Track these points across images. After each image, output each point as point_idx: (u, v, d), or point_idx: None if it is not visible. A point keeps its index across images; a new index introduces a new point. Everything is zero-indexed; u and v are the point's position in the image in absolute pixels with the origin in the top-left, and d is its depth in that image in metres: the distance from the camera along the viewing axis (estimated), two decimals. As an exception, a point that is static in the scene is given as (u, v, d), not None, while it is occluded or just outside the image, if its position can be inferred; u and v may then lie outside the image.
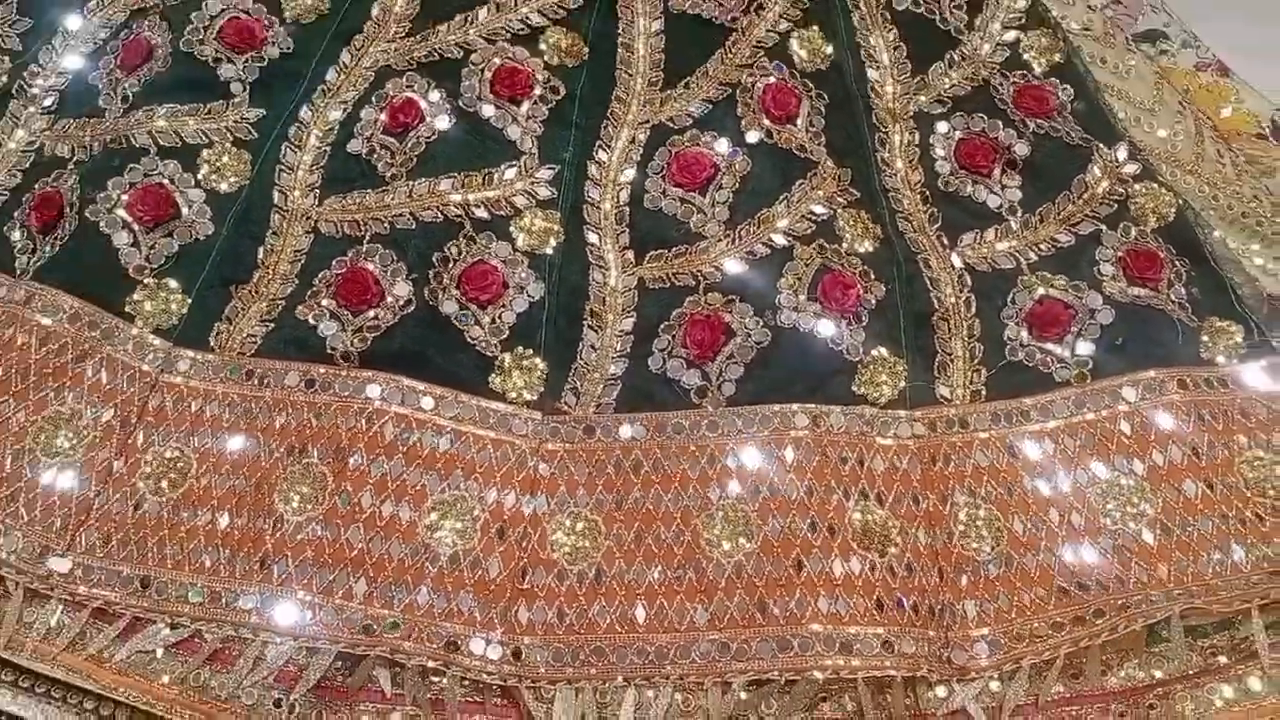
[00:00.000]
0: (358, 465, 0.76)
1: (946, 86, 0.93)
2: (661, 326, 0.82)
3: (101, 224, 0.83)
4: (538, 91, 0.89)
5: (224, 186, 0.85)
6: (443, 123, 0.87)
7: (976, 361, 0.83)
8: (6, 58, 0.91)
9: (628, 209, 0.87)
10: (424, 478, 0.77)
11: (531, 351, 0.81)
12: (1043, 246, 0.87)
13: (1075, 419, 0.82)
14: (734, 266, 0.84)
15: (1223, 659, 0.77)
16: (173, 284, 0.82)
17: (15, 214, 0.86)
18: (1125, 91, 0.97)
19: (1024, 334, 0.84)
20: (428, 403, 0.79)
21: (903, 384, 0.82)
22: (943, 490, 0.79)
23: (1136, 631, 0.76)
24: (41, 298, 0.81)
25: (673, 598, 0.75)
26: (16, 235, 0.85)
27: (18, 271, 0.83)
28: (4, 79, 0.91)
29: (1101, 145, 0.91)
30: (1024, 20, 0.96)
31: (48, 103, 0.90)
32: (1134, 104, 0.96)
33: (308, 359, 0.80)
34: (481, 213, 0.85)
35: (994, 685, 0.75)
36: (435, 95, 0.88)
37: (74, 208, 0.84)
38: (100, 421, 0.78)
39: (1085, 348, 0.84)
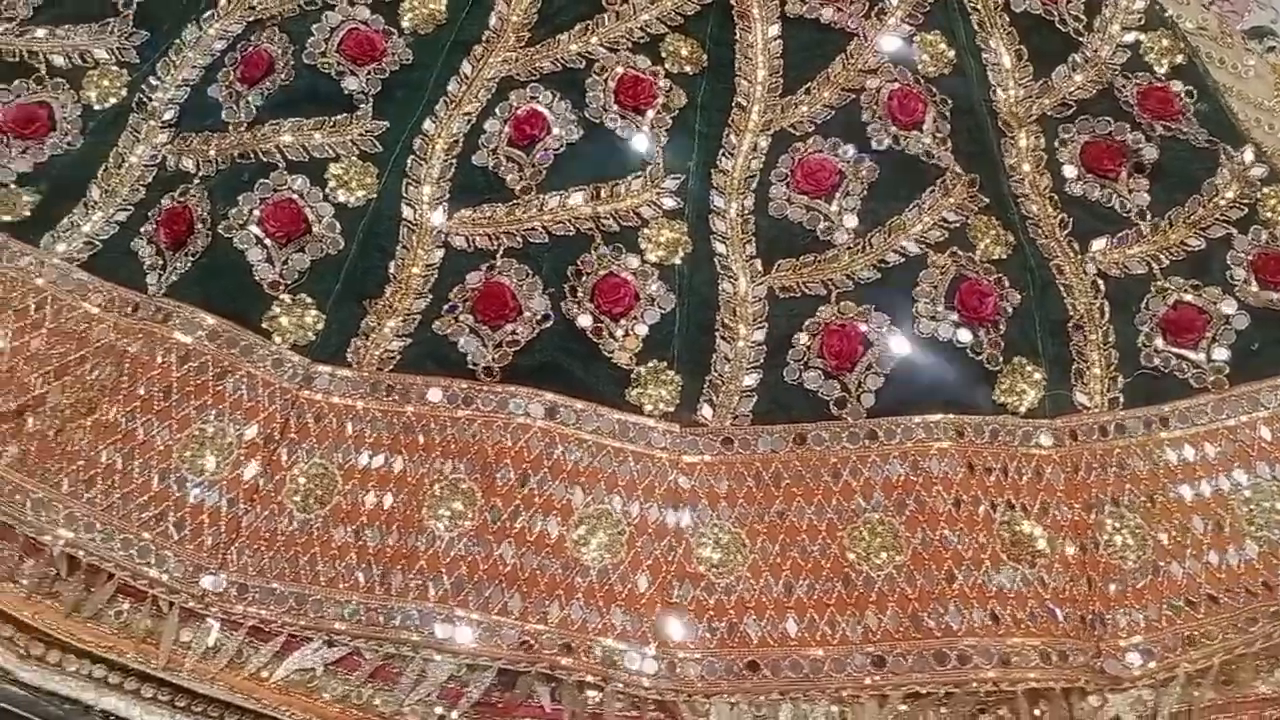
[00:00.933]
0: (505, 481, 0.77)
1: (1070, 90, 0.92)
2: (795, 337, 0.82)
3: (235, 240, 0.83)
4: (660, 100, 0.88)
5: (352, 200, 0.85)
6: (570, 134, 0.86)
7: (1113, 369, 0.83)
8: (125, 71, 0.91)
9: (753, 217, 0.86)
10: (569, 492, 0.77)
11: (666, 364, 0.81)
12: (1174, 251, 0.86)
13: (1215, 425, 0.82)
14: (866, 275, 0.83)
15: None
16: (308, 300, 0.82)
17: (142, 229, 0.86)
18: (1244, 92, 0.96)
19: (1159, 340, 0.84)
20: (569, 417, 0.79)
21: (1043, 393, 0.81)
22: (1087, 499, 0.79)
23: (1291, 641, 0.76)
24: (180, 315, 0.81)
25: (823, 611, 0.75)
26: (145, 251, 0.85)
27: (149, 289, 0.83)
28: (124, 93, 0.91)
29: (1228, 148, 0.90)
30: (1143, 21, 0.95)
31: (168, 116, 0.90)
32: (1254, 105, 0.95)
33: (449, 374, 0.80)
34: (611, 224, 0.85)
35: (1146, 694, 0.75)
36: (561, 106, 0.87)
37: (205, 223, 0.84)
38: (244, 439, 0.78)
39: (1221, 353, 0.83)
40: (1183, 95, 0.93)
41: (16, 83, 0.90)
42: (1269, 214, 0.88)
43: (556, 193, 0.85)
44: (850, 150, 0.87)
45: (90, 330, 0.83)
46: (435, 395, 0.79)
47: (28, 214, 0.87)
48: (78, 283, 0.84)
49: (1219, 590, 0.76)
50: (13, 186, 0.88)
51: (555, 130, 0.87)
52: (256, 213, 0.83)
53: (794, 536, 0.77)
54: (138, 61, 0.92)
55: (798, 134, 0.89)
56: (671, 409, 0.80)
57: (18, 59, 0.91)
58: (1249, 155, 0.90)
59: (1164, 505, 0.79)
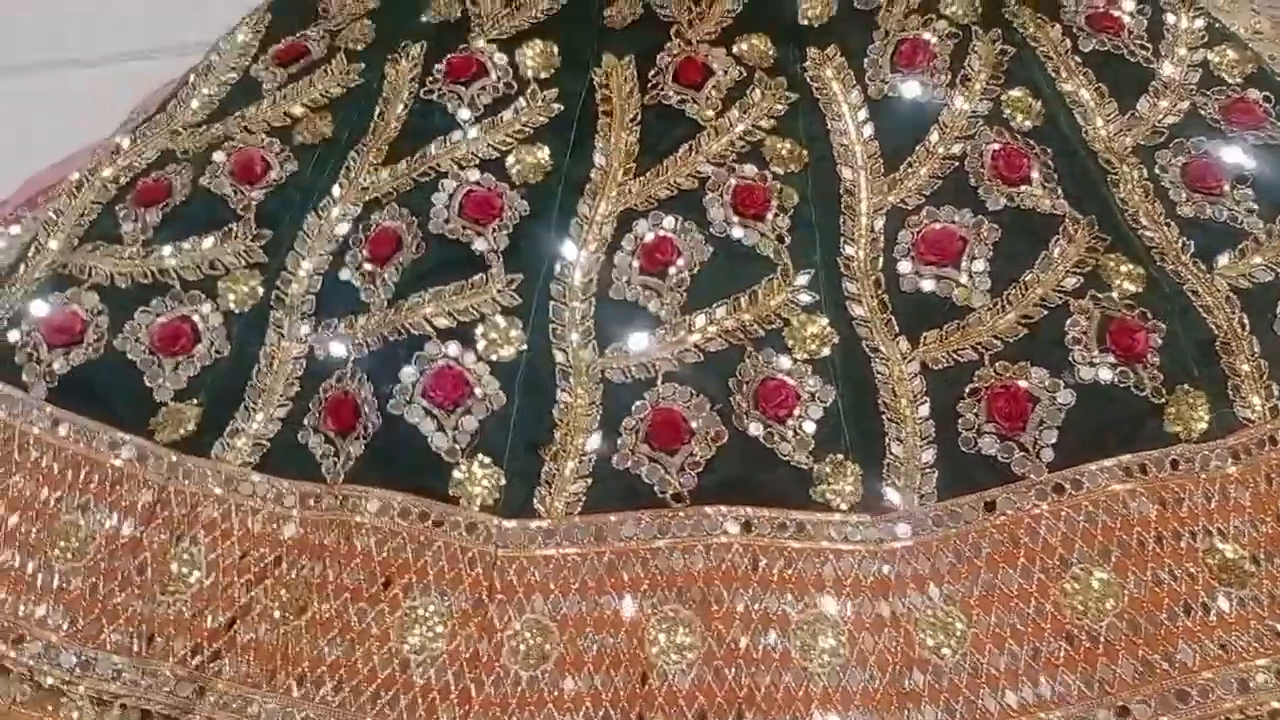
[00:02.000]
0: (721, 603, 0.78)
1: (1159, 117, 0.95)
2: (960, 405, 0.84)
3: (406, 415, 0.85)
4: (775, 202, 0.91)
5: (505, 356, 0.87)
6: (700, 253, 0.89)
7: (1266, 378, 0.85)
8: (256, 271, 0.94)
9: (887, 296, 0.89)
10: (782, 603, 0.78)
11: (841, 456, 0.83)
12: (1296, 254, 0.89)
13: (1378, 413, 0.84)
14: (1014, 333, 0.86)
15: None
16: (485, 459, 0.84)
17: (306, 421, 0.88)
18: (1313, 87, 0.99)
19: (1302, 341, 0.86)
20: (764, 528, 0.80)
21: (1209, 415, 0.83)
22: (1275, 511, 0.80)
23: None
24: (366, 499, 0.83)
25: (1055, 672, 0.76)
26: (314, 441, 0.87)
27: (327, 478, 0.86)
28: (260, 292, 0.93)
29: (1318, 143, 0.93)
30: (1206, 39, 0.98)
31: (306, 308, 0.92)
32: (1326, 96, 0.99)
33: (638, 506, 0.82)
34: (757, 330, 0.87)
35: (1380, 698, 0.76)
36: (685, 228, 0.90)
37: (371, 405, 0.86)
38: (455, 610, 0.80)
39: (1367, 344, 0.86)
40: (1262, 102, 0.96)
41: (154, 302, 0.93)
42: (1376, 197, 0.91)
43: (701, 311, 0.87)
44: (967, 214, 0.90)
45: (280, 530, 0.85)
46: (629, 530, 0.81)
47: (193, 428, 0.89)
48: (255, 485, 0.87)
49: None
50: (173, 404, 0.90)
51: (685, 252, 0.89)
52: (420, 385, 0.86)
53: (1008, 604, 0.78)
54: (266, 260, 0.94)
55: (909, 208, 0.92)
56: (858, 499, 0.82)
57: (150, 279, 0.94)
58: (1340, 148, 0.93)
59: (1351, 501, 0.81)
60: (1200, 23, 1.00)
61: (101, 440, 0.89)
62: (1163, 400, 0.83)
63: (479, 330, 0.88)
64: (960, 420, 0.84)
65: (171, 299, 0.93)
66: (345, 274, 0.93)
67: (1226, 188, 0.92)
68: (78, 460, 0.89)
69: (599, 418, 0.85)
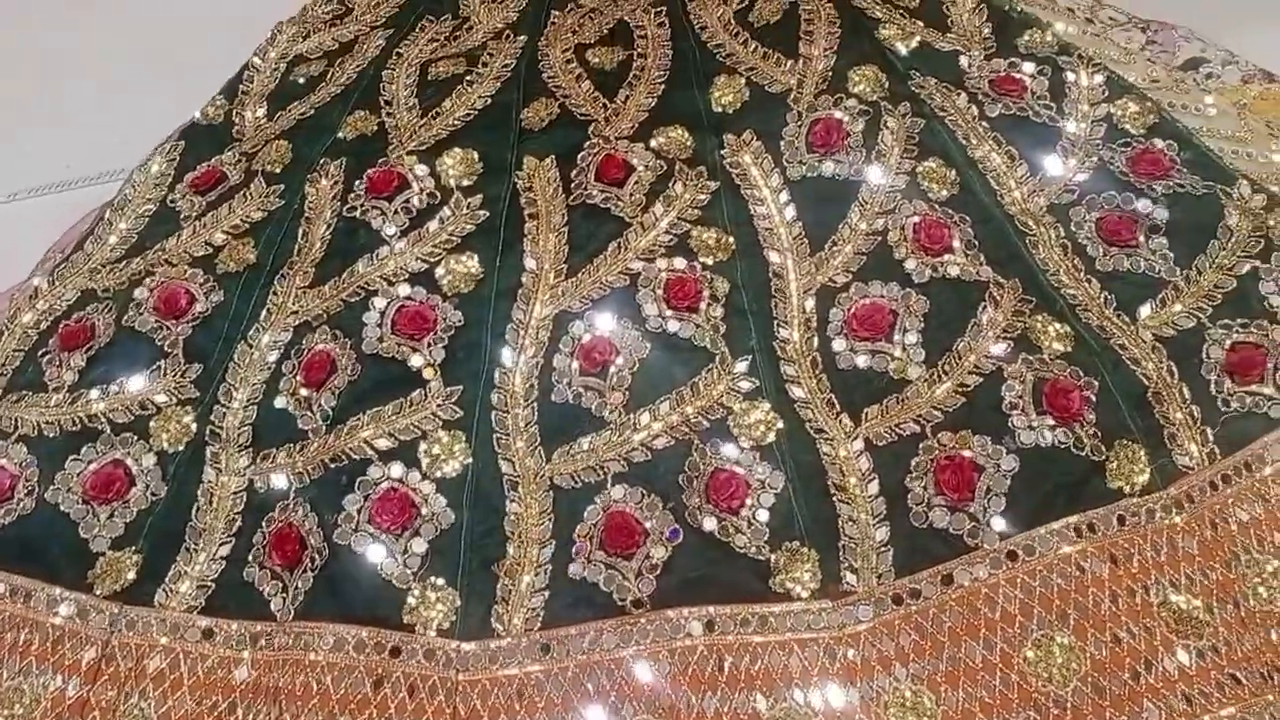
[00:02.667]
0: (690, 707, 0.77)
1: (1068, 175, 0.97)
2: (908, 480, 0.85)
3: (352, 545, 0.83)
4: (706, 292, 0.92)
5: (451, 472, 0.86)
6: (639, 350, 0.89)
7: (1200, 423, 0.87)
8: (189, 408, 0.92)
9: (825, 375, 0.90)
10: (751, 700, 0.78)
11: (797, 543, 0.83)
12: (1213, 297, 0.91)
13: (1307, 449, 0.86)
14: (952, 402, 0.87)
15: None
16: (438, 581, 0.82)
17: (250, 557, 0.86)
18: (1215, 130, 1.02)
19: (1229, 384, 0.88)
20: (727, 625, 0.80)
21: (1149, 467, 0.84)
22: (1222, 557, 0.82)
23: None
24: (318, 635, 0.81)
25: (1025, 743, 0.76)
26: (260, 578, 0.85)
27: (277, 615, 0.83)
28: (193, 428, 0.91)
29: (1223, 187, 0.96)
30: (1108, 93, 1.02)
31: (243, 440, 0.91)
32: (1228, 139, 1.02)
33: (600, 616, 0.81)
34: (702, 422, 0.87)
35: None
36: (620, 326, 0.90)
37: (317, 536, 0.84)
38: (421, 742, 0.78)
39: (1290, 379, 0.88)
40: (1167, 151, 0.99)
41: (85, 449, 0.91)
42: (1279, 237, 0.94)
43: (645, 409, 0.87)
44: (895, 287, 0.92)
45: (231, 674, 0.83)
46: (591, 641, 0.80)
47: (133, 576, 0.86)
48: (203, 630, 0.84)
49: (1379, 606, 0.80)
50: (111, 553, 0.87)
51: (623, 350, 0.89)
52: (366, 511, 0.84)
53: (974, 677, 0.78)
54: (198, 395, 0.92)
55: (838, 285, 0.93)
56: (817, 585, 0.82)
57: (79, 427, 0.92)
58: (1245, 189, 0.96)
59: (1294, 539, 0.82)
60: (1099, 78, 1.03)
61: (39, 599, 0.86)
62: (1103, 457, 0.84)
63: (422, 448, 0.87)
64: (910, 495, 0.84)
65: (103, 444, 0.91)
66: (280, 401, 0.91)
67: (1141, 239, 0.94)
68: (16, 622, 0.86)
69: (551, 527, 0.84)
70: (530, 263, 0.94)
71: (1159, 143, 0.99)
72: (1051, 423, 0.85)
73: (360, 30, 1.17)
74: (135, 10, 1.47)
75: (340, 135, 1.05)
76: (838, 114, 0.99)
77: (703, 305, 0.91)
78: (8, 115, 1.36)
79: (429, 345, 0.91)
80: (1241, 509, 0.84)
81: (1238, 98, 1.12)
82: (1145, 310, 0.91)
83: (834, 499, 0.85)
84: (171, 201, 1.05)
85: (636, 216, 0.95)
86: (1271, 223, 0.94)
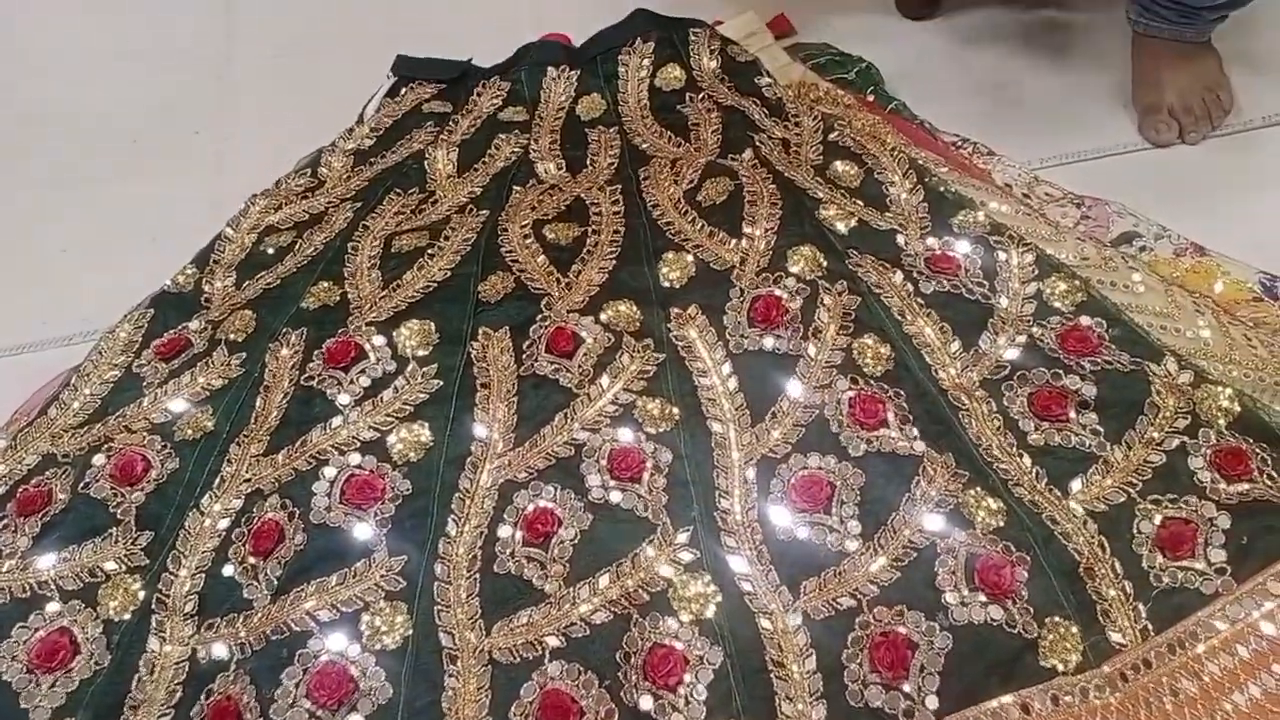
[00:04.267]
0: None
1: (1000, 352, 1.01)
2: (844, 656, 0.85)
3: (289, 720, 0.84)
4: (650, 463, 0.94)
5: (391, 644, 0.87)
6: (581, 522, 0.91)
7: (1133, 600, 0.88)
8: (137, 576, 0.93)
9: (764, 547, 0.91)
10: None
11: (734, 720, 0.83)
12: (1142, 472, 0.93)
13: (1239, 626, 0.86)
14: (888, 577, 0.88)
15: None
16: (373, 760, 0.82)
17: (191, 732, 0.86)
18: (1143, 306, 1.06)
19: (1160, 559, 0.89)
20: (660, 807, 0.80)
21: (1082, 645, 0.85)
22: (1158, 738, 0.82)
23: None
24: (251, 815, 0.81)
25: None
26: (197, 755, 0.85)
27: (213, 794, 0.83)
28: (140, 595, 0.92)
29: (1150, 364, 0.99)
30: (1037, 272, 1.07)
31: (189, 609, 0.91)
32: (1156, 314, 1.06)
33: (534, 798, 0.80)
34: (642, 595, 0.88)
35: None
36: (564, 496, 0.92)
37: (254, 711, 0.84)
38: None
39: (1218, 555, 0.89)
40: (1095, 328, 1.03)
41: (33, 617, 0.91)
42: (1206, 414, 0.96)
43: (584, 582, 0.88)
44: (831, 460, 0.94)
45: None
46: (516, 825, 0.80)
47: None
48: (136, 808, 0.84)
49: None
50: (50, 725, 0.88)
51: (566, 521, 0.91)
52: (303, 687, 0.84)
53: None
54: (147, 563, 0.94)
55: (778, 456, 0.95)
56: (753, 765, 0.82)
57: (28, 594, 0.93)
58: (1172, 365, 0.99)
59: (1224, 718, 0.83)
60: (1030, 257, 1.08)
61: (-25, 770, 0.86)
62: (1035, 635, 0.85)
63: (364, 619, 0.88)
64: (846, 672, 0.85)
65: (51, 612, 0.92)
66: (228, 569, 0.93)
67: (1072, 414, 0.97)
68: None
69: (488, 703, 0.84)
70: (480, 430, 0.97)
71: (1086, 320, 1.03)
72: (984, 599, 0.86)
73: (331, 202, 1.23)
74: (112, 176, 1.53)
75: (303, 305, 1.09)
76: (777, 291, 1.03)
77: (645, 475, 0.94)
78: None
79: (375, 515, 0.92)
80: (1175, 688, 0.84)
81: (1170, 270, 1.18)
82: (1076, 485, 0.93)
83: (771, 675, 0.85)
84: (137, 368, 1.08)
85: (584, 388, 0.99)
86: (1198, 398, 0.97)
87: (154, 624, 0.91)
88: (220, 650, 0.89)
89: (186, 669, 0.89)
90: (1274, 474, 0.93)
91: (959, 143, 1.33)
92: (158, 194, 1.34)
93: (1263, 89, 1.38)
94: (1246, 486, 0.92)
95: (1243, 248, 1.19)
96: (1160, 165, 1.34)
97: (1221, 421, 0.96)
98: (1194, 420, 0.96)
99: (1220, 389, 0.98)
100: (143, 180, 1.48)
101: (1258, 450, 0.94)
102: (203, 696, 0.87)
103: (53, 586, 0.93)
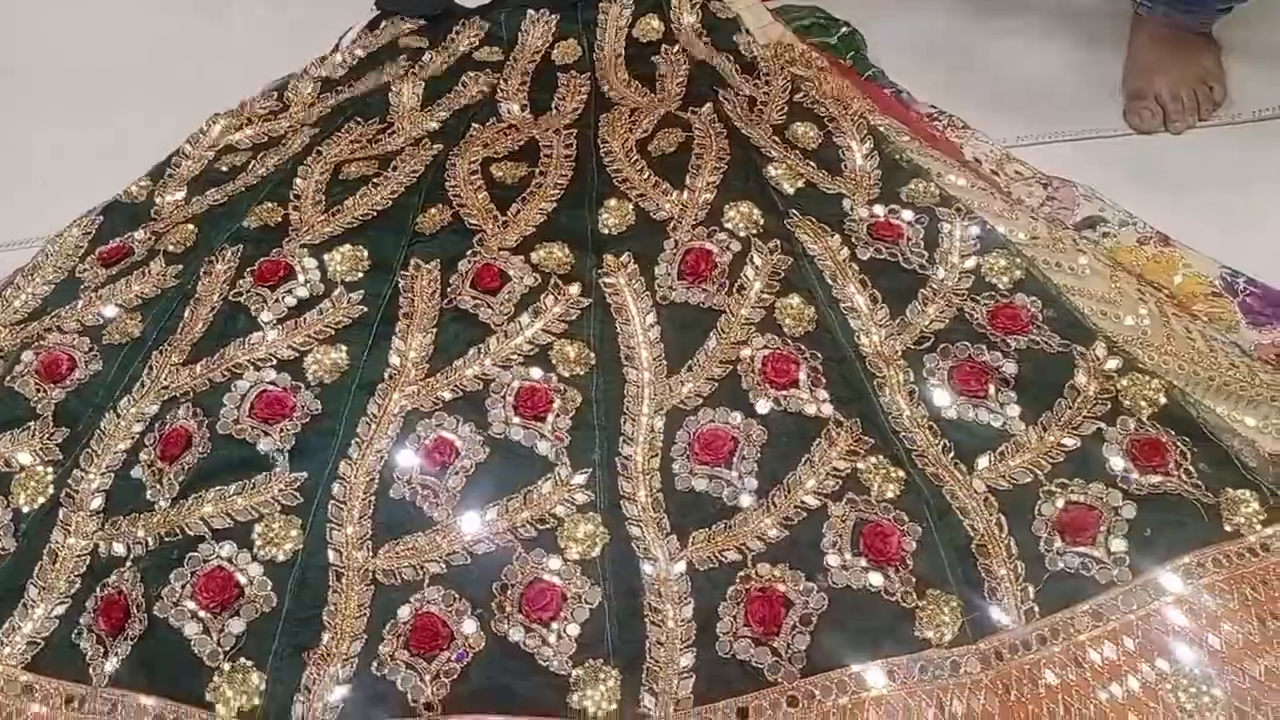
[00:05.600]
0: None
1: (926, 323, 1.00)
2: (720, 608, 0.85)
3: (171, 618, 0.85)
4: (557, 403, 0.95)
5: (280, 556, 0.88)
6: (479, 454, 0.92)
7: (1023, 580, 0.87)
8: (50, 469, 0.96)
9: (662, 495, 0.91)
10: (525, 816, 0.78)
11: (602, 661, 0.84)
12: (1053, 455, 0.92)
13: (1128, 618, 0.85)
14: (776, 535, 0.88)
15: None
16: (247, 663, 0.84)
17: (81, 620, 0.88)
18: (1085, 289, 1.04)
19: (1059, 542, 0.88)
20: (512, 737, 0.81)
21: (961, 619, 0.84)
22: (1024, 718, 0.81)
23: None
24: (124, 704, 0.83)
25: None
26: (86, 642, 0.87)
27: (93, 680, 0.85)
28: (50, 490, 0.95)
29: (1079, 347, 0.97)
30: (979, 246, 1.05)
31: (95, 505, 0.93)
32: (1096, 299, 1.04)
33: (393, 714, 0.81)
34: (529, 531, 0.89)
35: None
36: (466, 429, 0.93)
37: (140, 607, 0.86)
38: (199, 823, 0.79)
39: (1119, 545, 0.87)
40: (1029, 307, 1.01)
41: (-57, 503, 0.95)
42: (1130, 402, 0.94)
43: (472, 512, 0.89)
44: (738, 416, 0.94)
45: (40, 733, 0.84)
46: (371, 738, 0.81)
47: None
48: (24, 685, 0.86)
49: (1170, 785, 0.78)
50: (-49, 605, 0.90)
51: (464, 453, 0.92)
52: (189, 587, 0.86)
53: (755, 814, 0.78)
54: (61, 458, 0.96)
55: (688, 408, 0.95)
56: (614, 706, 0.82)
57: (-60, 481, 0.96)
58: (1101, 350, 0.97)
59: (1098, 708, 0.81)
60: (974, 230, 1.06)
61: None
62: (914, 604, 0.85)
63: (256, 530, 0.89)
64: (719, 623, 0.85)
65: (-40, 500, 0.95)
66: (136, 472, 0.95)
67: (992, 390, 0.96)
68: None
69: (366, 622, 0.86)
70: (394, 359, 0.98)
71: (1022, 298, 1.01)
72: (865, 564, 0.86)
73: (292, 126, 1.24)
74: (102, 106, 1.55)
75: (245, 224, 1.10)
76: (709, 245, 1.03)
77: (550, 416, 0.94)
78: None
79: (281, 431, 0.94)
80: (1051, 672, 0.83)
81: (1131, 258, 1.15)
82: (983, 461, 0.92)
83: (646, 620, 0.85)
84: (80, 272, 1.10)
85: (502, 325, 0.99)
86: (1124, 386, 0.95)
87: (61, 517, 0.93)
88: (119, 548, 0.91)
89: (87, 563, 0.91)
90: (1191, 469, 0.91)
91: (934, 114, 1.31)
92: (145, 127, 1.35)
93: (1259, 83, 1.33)
94: (1159, 479, 0.90)
95: (1212, 243, 1.16)
96: (1141, 152, 1.30)
97: (1145, 412, 0.94)
98: (1115, 407, 0.94)
99: (1149, 378, 0.96)
100: (132, 114, 1.50)
101: (1178, 444, 0.92)
102: (98, 589, 0.89)
103: (-34, 476, 0.96)
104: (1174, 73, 1.32)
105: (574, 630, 0.85)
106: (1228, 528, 0.88)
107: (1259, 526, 0.88)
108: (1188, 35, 1.34)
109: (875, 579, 0.85)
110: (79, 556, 0.92)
